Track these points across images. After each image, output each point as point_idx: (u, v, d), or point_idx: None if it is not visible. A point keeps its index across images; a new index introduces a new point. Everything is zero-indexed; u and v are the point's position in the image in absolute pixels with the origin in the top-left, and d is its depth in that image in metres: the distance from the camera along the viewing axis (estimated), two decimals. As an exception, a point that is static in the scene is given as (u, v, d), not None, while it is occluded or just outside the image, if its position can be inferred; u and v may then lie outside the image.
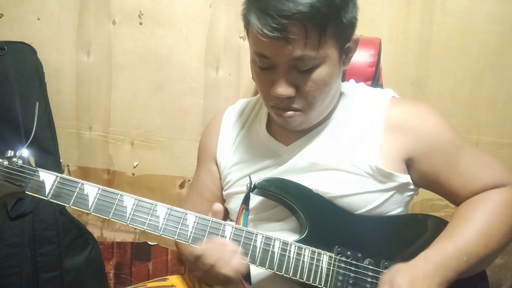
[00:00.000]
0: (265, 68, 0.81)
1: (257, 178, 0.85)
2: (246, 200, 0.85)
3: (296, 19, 0.72)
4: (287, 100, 0.81)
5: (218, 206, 0.79)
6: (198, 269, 0.76)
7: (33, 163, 0.81)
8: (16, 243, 1.35)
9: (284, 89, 0.79)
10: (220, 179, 1.00)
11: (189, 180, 1.50)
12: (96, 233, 1.55)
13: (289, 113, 0.82)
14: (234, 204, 0.95)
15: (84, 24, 1.46)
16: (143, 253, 1.56)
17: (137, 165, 1.52)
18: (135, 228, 1.55)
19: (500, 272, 1.49)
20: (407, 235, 0.86)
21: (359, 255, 0.82)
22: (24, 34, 1.45)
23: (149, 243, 1.56)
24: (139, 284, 1.04)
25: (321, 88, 0.80)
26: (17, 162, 0.79)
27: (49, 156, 1.43)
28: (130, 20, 1.44)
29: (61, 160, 1.48)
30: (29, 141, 0.78)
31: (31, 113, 1.38)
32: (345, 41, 0.81)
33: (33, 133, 0.80)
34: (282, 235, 0.82)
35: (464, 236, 0.79)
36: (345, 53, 0.83)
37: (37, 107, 0.80)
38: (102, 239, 1.57)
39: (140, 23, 1.44)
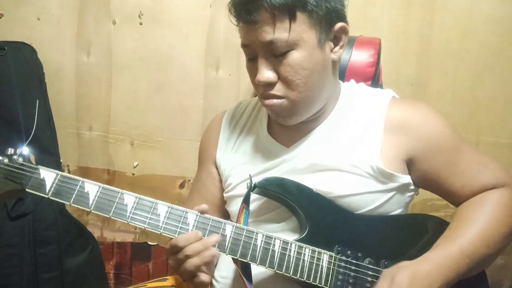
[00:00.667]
0: (251, 59, 0.85)
1: (257, 178, 0.85)
2: (247, 199, 0.85)
3: (263, 5, 0.76)
4: (269, 87, 0.83)
5: (202, 207, 0.80)
6: (173, 259, 0.76)
7: (33, 161, 0.81)
8: (16, 243, 1.35)
9: (262, 75, 0.81)
10: (220, 180, 1.00)
11: (189, 180, 1.50)
12: (96, 233, 1.55)
13: (273, 101, 0.84)
14: (235, 207, 0.94)
15: (84, 24, 1.46)
16: (143, 253, 1.56)
17: (137, 165, 1.52)
18: (135, 228, 1.57)
19: (500, 272, 1.50)
20: (407, 235, 0.86)
21: (359, 254, 0.82)
22: (24, 34, 1.45)
23: (149, 243, 1.56)
24: (139, 284, 1.04)
25: (299, 73, 0.81)
26: (17, 159, 0.79)
27: (49, 156, 1.43)
28: (130, 20, 1.44)
29: (61, 160, 1.48)
30: (29, 139, 0.78)
31: (31, 113, 1.38)
32: (324, 27, 0.81)
33: (33, 131, 0.80)
34: (283, 236, 0.82)
35: (466, 238, 0.79)
36: (332, 42, 0.84)
37: (37, 105, 0.80)
38: (102, 239, 1.57)
39: (140, 23, 1.44)
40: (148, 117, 1.49)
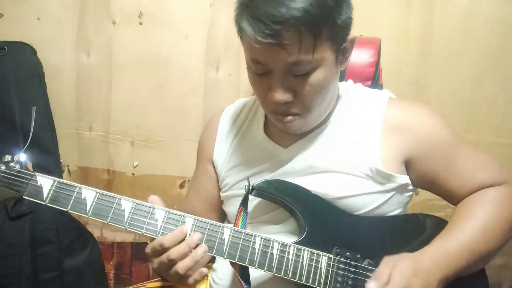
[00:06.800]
0: (261, 74, 0.80)
1: (255, 181, 0.85)
2: (245, 202, 0.84)
3: (289, 25, 0.70)
4: (284, 105, 0.79)
5: (152, 199, 0.79)
6: (157, 262, 0.75)
7: (30, 167, 0.81)
8: (16, 243, 1.35)
9: (281, 95, 0.77)
10: (218, 179, 1.00)
11: (189, 180, 1.50)
12: (96, 233, 1.55)
13: (288, 118, 0.81)
14: (232, 208, 0.95)
15: (84, 24, 1.46)
16: (143, 253, 1.56)
17: (137, 165, 1.52)
18: (135, 228, 1.56)
19: (500, 272, 1.49)
20: (407, 235, 0.86)
21: (358, 256, 0.82)
22: (24, 34, 1.45)
23: (149, 243, 1.55)
24: (138, 284, 1.04)
25: (318, 92, 0.79)
26: (14, 167, 0.79)
27: (49, 156, 1.43)
28: (130, 20, 1.44)
29: (61, 160, 1.48)
30: (26, 146, 0.77)
31: (30, 114, 1.38)
32: (340, 42, 0.79)
33: (30, 137, 0.79)
34: (281, 237, 0.82)
35: (465, 234, 0.79)
36: (341, 53, 0.82)
37: (34, 112, 0.79)
38: (102, 239, 1.57)
39: (140, 23, 1.44)
40: (148, 117, 1.49)
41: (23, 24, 1.46)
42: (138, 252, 1.56)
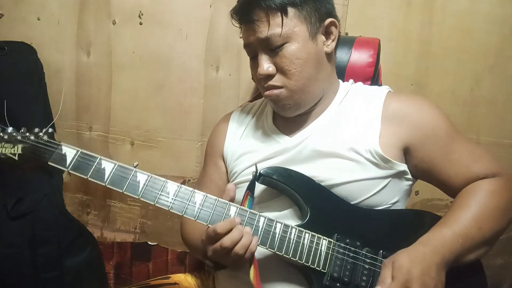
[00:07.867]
0: (252, 58, 0.95)
1: (261, 165, 0.90)
2: (251, 186, 0.88)
3: (257, 5, 0.88)
4: (269, 79, 0.91)
5: (230, 185, 0.85)
6: (215, 247, 0.79)
7: (56, 139, 0.87)
8: (16, 243, 1.35)
9: (262, 68, 0.91)
10: (227, 173, 1.04)
11: (189, 180, 1.50)
12: (96, 233, 1.55)
13: (274, 91, 0.92)
14: (238, 194, 0.97)
15: (84, 24, 1.46)
16: (143, 253, 1.56)
17: (137, 165, 1.51)
18: (135, 228, 1.56)
19: (500, 272, 1.50)
20: (405, 228, 0.89)
21: (358, 243, 0.85)
22: (24, 34, 1.45)
23: (149, 243, 1.56)
24: (142, 282, 1.05)
25: (294, 62, 0.89)
26: (42, 137, 0.86)
27: (49, 156, 1.43)
28: (130, 20, 1.44)
29: (61, 160, 1.48)
30: (55, 119, 0.81)
31: (31, 113, 1.38)
32: (314, 22, 0.90)
33: (58, 113, 0.82)
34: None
35: (458, 221, 0.83)
36: (324, 36, 0.93)
37: (63, 94, 0.87)
38: (102, 239, 1.57)
39: (140, 23, 1.44)
40: (148, 117, 1.49)
41: (23, 24, 1.46)
42: (138, 252, 1.57)
